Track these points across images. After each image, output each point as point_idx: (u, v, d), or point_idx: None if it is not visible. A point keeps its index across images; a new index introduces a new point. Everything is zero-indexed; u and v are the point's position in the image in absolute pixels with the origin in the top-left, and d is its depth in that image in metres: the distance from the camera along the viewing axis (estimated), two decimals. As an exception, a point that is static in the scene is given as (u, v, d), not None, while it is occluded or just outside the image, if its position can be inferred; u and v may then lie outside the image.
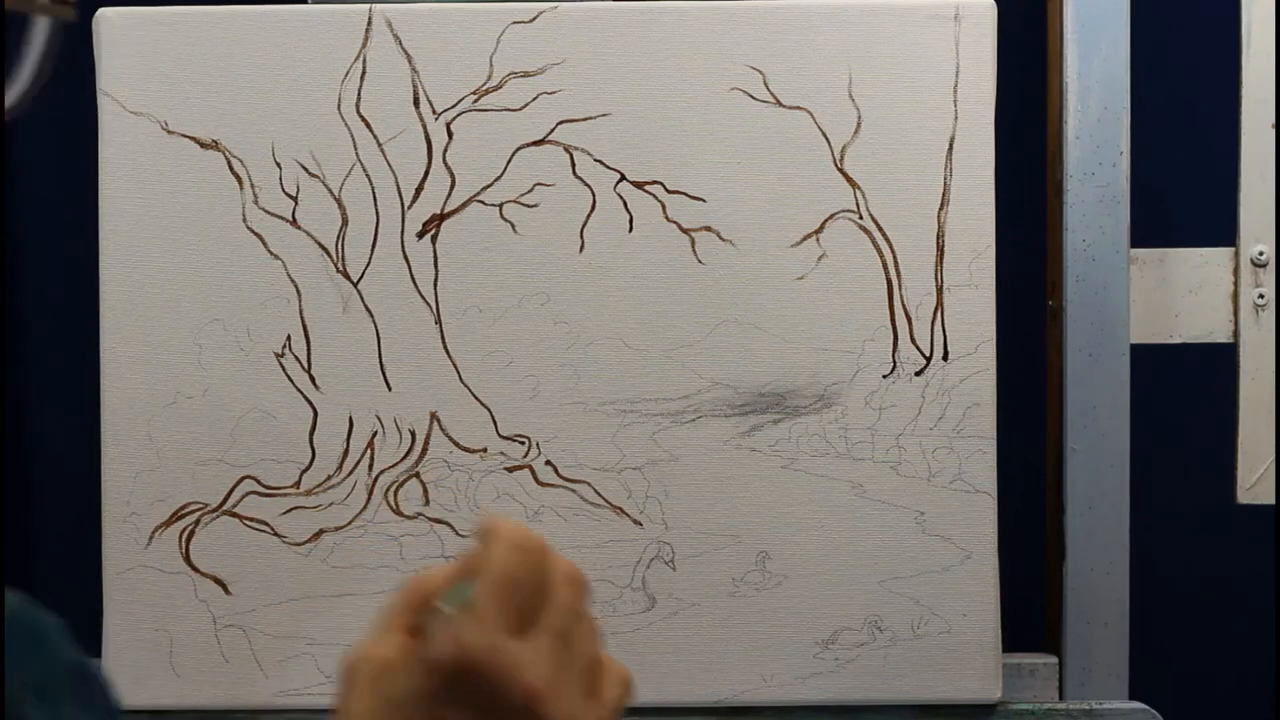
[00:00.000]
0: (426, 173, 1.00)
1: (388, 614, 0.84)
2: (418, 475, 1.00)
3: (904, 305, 1.00)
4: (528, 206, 1.00)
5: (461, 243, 1.00)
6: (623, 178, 1.00)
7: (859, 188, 1.00)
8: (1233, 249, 1.07)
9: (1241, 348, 1.07)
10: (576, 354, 1.00)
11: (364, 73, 1.00)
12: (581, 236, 1.00)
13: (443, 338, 1.00)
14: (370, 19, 1.00)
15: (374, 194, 1.00)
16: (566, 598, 0.81)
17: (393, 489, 1.00)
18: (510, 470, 1.00)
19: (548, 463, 1.00)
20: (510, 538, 0.80)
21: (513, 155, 1.00)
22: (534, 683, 0.76)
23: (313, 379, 1.00)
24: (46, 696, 0.48)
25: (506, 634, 0.77)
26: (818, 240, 1.00)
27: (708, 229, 1.00)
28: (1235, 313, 1.07)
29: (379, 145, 1.00)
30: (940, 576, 1.00)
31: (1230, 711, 1.22)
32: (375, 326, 1.00)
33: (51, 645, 0.49)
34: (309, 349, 1.00)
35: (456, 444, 1.00)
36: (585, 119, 1.00)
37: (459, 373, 1.00)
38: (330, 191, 1.00)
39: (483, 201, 1.00)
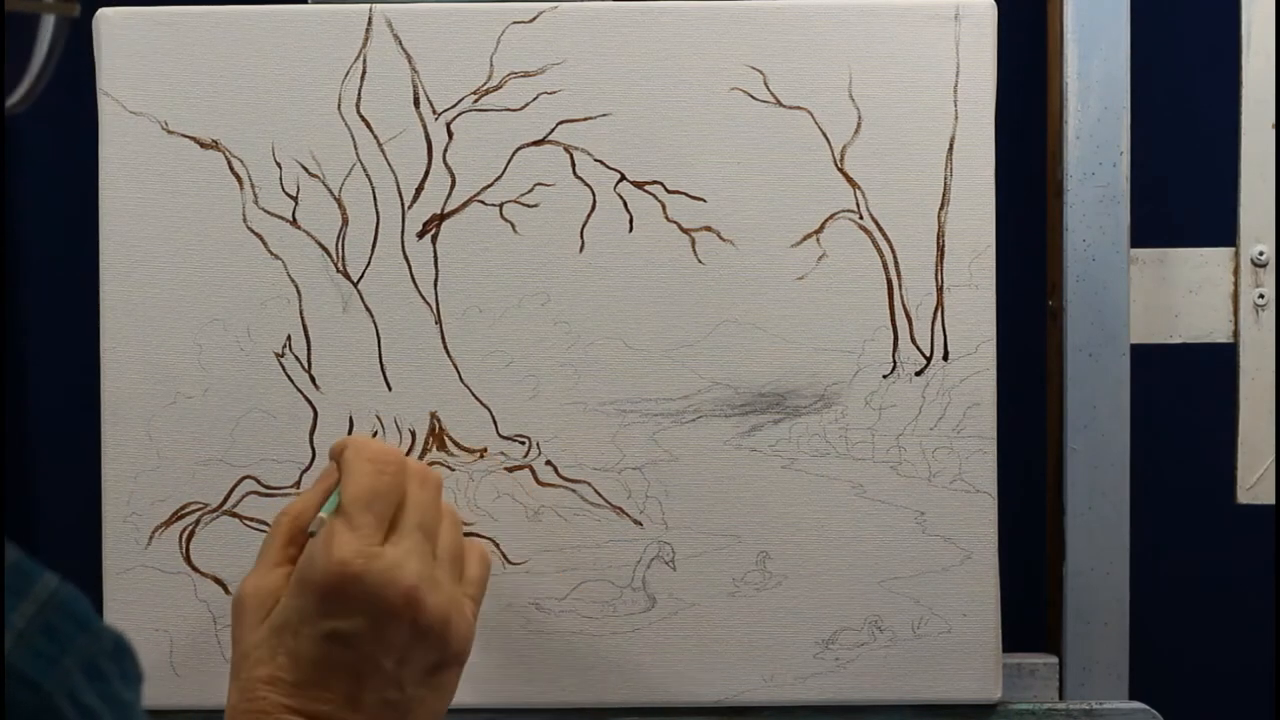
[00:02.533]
0: (426, 173, 1.00)
1: (265, 549, 0.86)
2: (418, 475, 1.00)
3: (904, 305, 1.00)
4: (528, 206, 1.00)
5: (461, 243, 1.00)
6: (623, 178, 1.00)
7: (859, 188, 1.00)
8: (1233, 249, 1.07)
9: (1241, 348, 1.07)
10: (576, 354, 1.00)
11: (364, 73, 1.00)
12: (581, 236, 1.00)
13: (443, 338, 1.00)
14: (370, 19, 1.00)
15: (374, 194, 1.00)
16: (423, 496, 0.85)
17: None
18: (510, 470, 1.00)
19: (548, 463, 1.00)
20: (366, 453, 0.85)
21: (513, 155, 1.00)
22: (410, 580, 0.81)
23: (313, 379, 1.00)
24: (95, 675, 0.48)
25: (378, 542, 0.82)
26: (818, 240, 1.00)
27: (708, 229, 1.00)
28: (1235, 313, 1.07)
29: (379, 145, 1.00)
30: (940, 576, 1.00)
31: (1230, 711, 1.22)
32: (375, 326, 1.00)
33: (93, 623, 0.49)
34: (309, 349, 1.00)
35: (457, 444, 1.00)
36: (585, 119, 1.00)
37: (459, 373, 1.00)
38: (330, 191, 1.00)
39: (483, 201, 1.00)
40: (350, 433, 1.00)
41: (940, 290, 1.00)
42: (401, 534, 0.83)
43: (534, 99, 1.00)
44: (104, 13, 1.00)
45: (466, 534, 0.93)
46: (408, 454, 1.00)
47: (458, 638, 0.83)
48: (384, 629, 0.80)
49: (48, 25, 0.55)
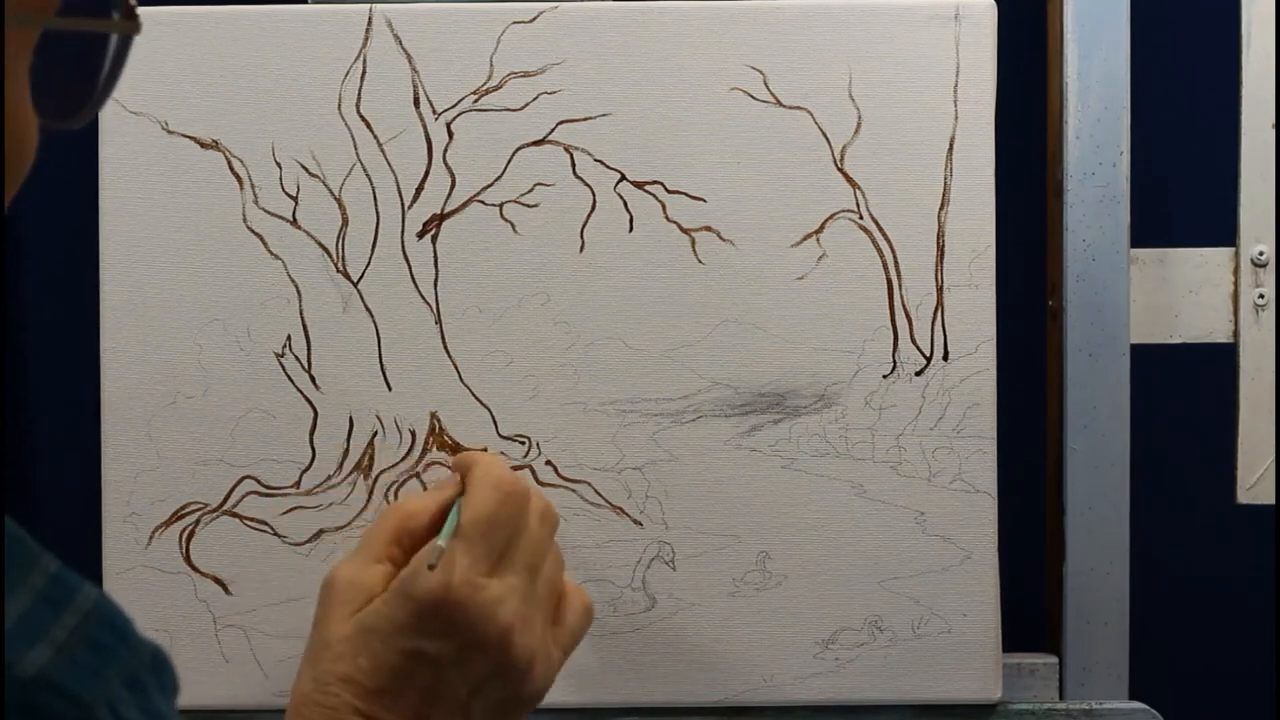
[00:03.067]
0: (426, 173, 1.00)
1: (367, 541, 0.86)
2: (418, 475, 1.00)
3: (904, 305, 1.00)
4: (528, 206, 1.00)
5: (461, 243, 1.00)
6: (623, 178, 1.00)
7: (859, 188, 1.00)
8: (1233, 249, 1.07)
9: (1241, 348, 1.07)
10: (576, 354, 1.00)
11: (364, 73, 1.00)
12: (582, 236, 1.00)
13: (443, 338, 1.00)
14: (370, 19, 1.00)
15: (374, 194, 1.00)
16: (539, 534, 0.85)
17: (393, 489, 1.00)
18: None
19: (548, 463, 1.00)
20: (491, 478, 0.84)
21: (513, 155, 1.00)
22: (507, 619, 0.81)
23: (313, 379, 1.00)
24: (136, 687, 0.48)
25: (485, 571, 0.81)
26: (818, 240, 1.00)
27: (708, 229, 1.00)
28: (1235, 313, 1.07)
29: (379, 145, 1.00)
30: (940, 576, 1.00)
31: (1230, 711, 1.22)
32: (375, 326, 1.00)
33: (134, 636, 0.49)
34: (309, 349, 1.00)
35: (457, 444, 1.00)
36: (585, 119, 1.00)
37: (459, 373, 1.00)
38: (330, 191, 1.00)
39: (483, 201, 1.00)
40: (350, 433, 1.00)
41: (940, 290, 1.00)
42: (509, 568, 0.82)
43: (534, 99, 1.00)
44: (104, 13, 1.00)
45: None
46: (407, 454, 1.00)
47: (538, 681, 0.83)
48: (469, 659, 0.80)
49: (111, 44, 0.56)
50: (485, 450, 0.99)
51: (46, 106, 0.53)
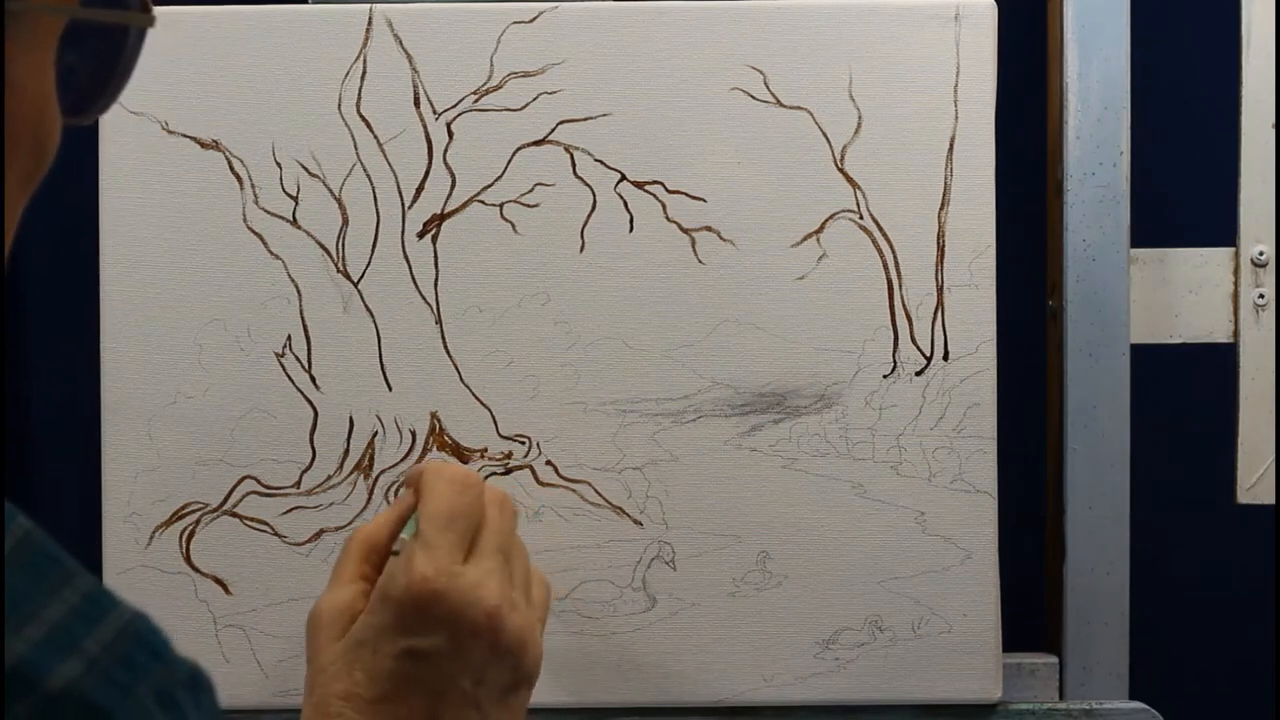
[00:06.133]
0: (427, 173, 1.00)
1: (339, 568, 0.87)
2: (418, 475, 1.00)
3: (904, 305, 1.00)
4: (528, 206, 1.00)
5: (462, 243, 1.00)
6: (623, 178, 1.00)
7: (859, 188, 1.00)
8: (1233, 249, 1.07)
9: (1241, 348, 1.07)
10: (576, 354, 1.00)
11: (364, 73, 1.00)
12: (582, 236, 1.00)
13: (443, 338, 1.00)
14: (370, 19, 1.00)
15: (374, 194, 1.00)
16: (501, 521, 0.86)
17: (393, 489, 1.00)
18: (510, 470, 1.00)
19: (548, 463, 1.00)
20: (442, 475, 0.85)
21: (513, 155, 1.00)
22: (493, 600, 0.81)
23: (313, 379, 1.00)
24: (170, 705, 0.47)
25: (459, 560, 0.82)
26: (818, 240, 1.00)
27: (708, 229, 1.00)
28: (1235, 313, 1.07)
29: (379, 145, 1.00)
30: (940, 576, 1.00)
31: (1230, 711, 1.22)
32: (375, 326, 1.00)
33: (169, 654, 0.48)
34: (309, 349, 1.00)
35: (457, 444, 1.00)
36: (585, 119, 1.00)
37: (459, 373, 1.00)
38: (330, 191, 1.00)
39: (483, 201, 1.00)
40: (350, 433, 1.00)
41: (940, 290, 1.00)
42: (482, 555, 0.83)
43: (534, 99, 1.00)
44: (104, 13, 1.00)
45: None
46: (407, 454, 1.00)
47: (532, 659, 0.83)
48: (463, 647, 0.80)
49: (128, 38, 0.56)
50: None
51: (66, 104, 0.54)
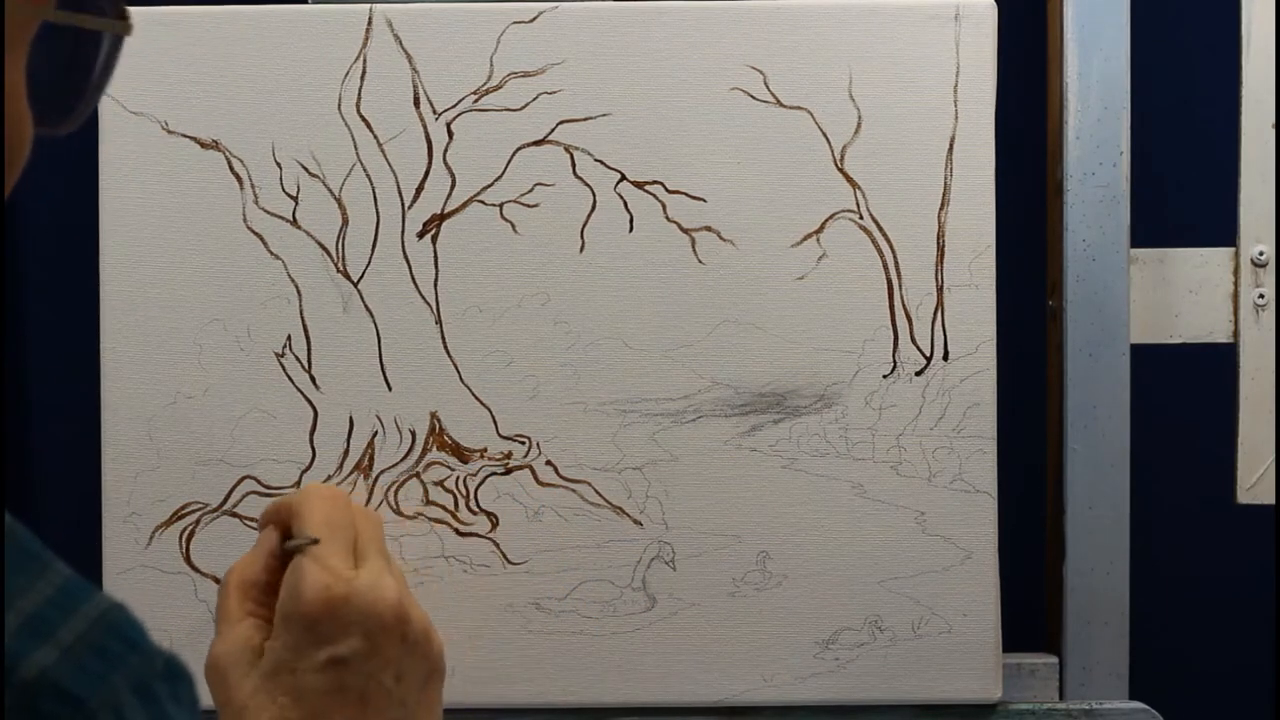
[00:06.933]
0: (427, 173, 1.00)
1: (220, 612, 0.87)
2: (418, 475, 1.00)
3: (904, 305, 1.00)
4: (528, 206, 1.00)
5: (462, 243, 1.00)
6: (623, 178, 1.00)
7: (859, 188, 1.00)
8: (1233, 249, 1.07)
9: (1241, 348, 1.07)
10: (576, 354, 1.00)
11: (364, 73, 1.00)
12: (582, 236, 1.00)
13: (443, 338, 1.00)
14: (370, 19, 1.00)
15: (374, 194, 1.00)
16: (371, 528, 0.87)
17: (393, 489, 1.00)
18: (510, 470, 1.00)
19: (548, 463, 1.00)
20: (314, 493, 0.87)
21: (513, 155, 1.00)
22: (392, 594, 0.82)
23: (313, 379, 1.00)
24: (147, 696, 0.47)
25: (350, 565, 0.83)
26: (818, 240, 1.00)
27: (708, 229, 1.00)
28: (1235, 313, 1.07)
29: (379, 145, 1.00)
30: (940, 576, 1.00)
31: (1230, 711, 1.22)
32: (375, 326, 1.00)
33: (146, 644, 0.48)
34: (309, 349, 1.00)
35: (457, 444, 1.00)
36: (585, 119, 1.00)
37: (459, 373, 1.00)
38: (330, 191, 1.00)
39: (483, 201, 1.00)
40: (350, 433, 1.00)
41: (940, 290, 1.00)
42: (367, 557, 0.84)
43: (534, 99, 1.00)
44: (104, 13, 1.00)
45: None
46: (407, 454, 1.00)
47: (437, 648, 0.84)
48: (378, 645, 0.81)
49: (104, 44, 0.56)
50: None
51: (38, 109, 0.54)
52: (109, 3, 0.55)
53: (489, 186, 1.00)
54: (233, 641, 0.83)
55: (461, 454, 1.00)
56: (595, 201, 1.00)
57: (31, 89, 0.53)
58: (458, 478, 1.00)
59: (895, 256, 1.00)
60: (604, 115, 1.00)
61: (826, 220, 1.00)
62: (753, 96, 1.00)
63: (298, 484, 1.00)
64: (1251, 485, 1.07)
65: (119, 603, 0.49)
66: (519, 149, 1.00)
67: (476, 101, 1.00)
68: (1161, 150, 1.18)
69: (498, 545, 1.00)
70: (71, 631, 0.46)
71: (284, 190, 1.00)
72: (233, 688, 0.82)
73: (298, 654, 0.80)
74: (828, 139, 1.00)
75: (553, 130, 1.00)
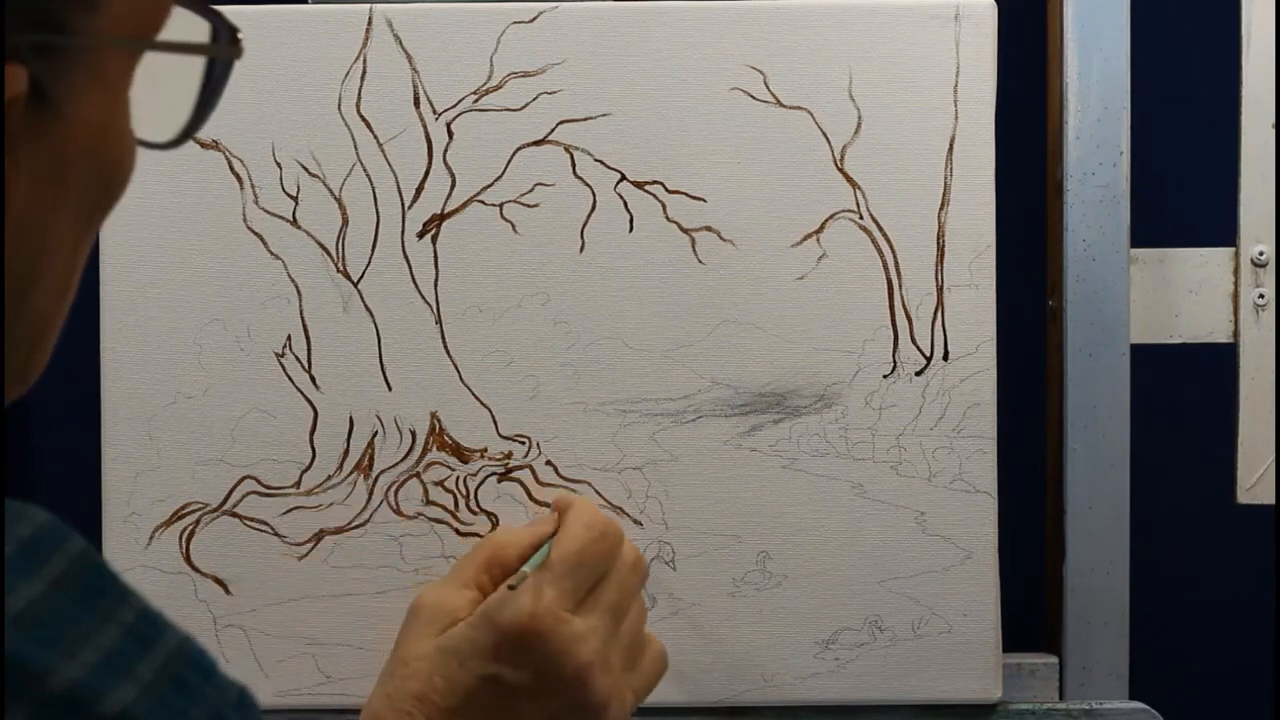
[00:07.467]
0: (427, 173, 1.00)
1: (459, 566, 0.87)
2: (418, 475, 1.00)
3: (904, 305, 1.00)
4: (528, 206, 1.00)
5: (462, 243, 1.00)
6: (623, 178, 1.00)
7: (859, 188, 1.00)
8: (1233, 249, 1.07)
9: (1241, 348, 1.07)
10: (576, 354, 1.00)
11: (364, 73, 1.00)
12: (582, 236, 1.00)
13: (443, 338, 1.00)
14: (370, 19, 1.00)
15: (374, 194, 1.00)
16: (627, 580, 0.86)
17: (393, 489, 1.00)
18: (510, 470, 1.00)
19: (548, 463, 1.00)
20: (585, 518, 0.85)
21: (513, 155, 1.00)
22: (587, 657, 0.81)
23: (313, 379, 1.00)
24: None
25: (570, 607, 0.82)
26: (818, 240, 1.00)
27: (708, 229, 1.00)
28: (1235, 313, 1.07)
29: (379, 145, 1.00)
30: (940, 576, 1.00)
31: (1230, 711, 1.22)
32: (375, 326, 1.00)
33: (218, 676, 0.49)
34: (309, 349, 1.00)
35: (457, 444, 1.00)
36: (585, 119, 1.00)
37: (459, 373, 1.00)
38: (330, 191, 1.00)
39: (483, 201, 1.00)
40: (350, 433, 1.00)
41: (940, 290, 1.00)
42: (593, 608, 0.83)
43: (534, 99, 1.00)
44: (104, 13, 1.00)
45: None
46: (407, 454, 1.00)
47: None
48: (544, 692, 0.81)
49: (215, 67, 0.57)
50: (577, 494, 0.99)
51: (144, 129, 0.54)
52: (222, 29, 0.56)
53: (489, 186, 1.00)
54: (442, 599, 0.84)
55: (461, 454, 1.00)
56: (595, 201, 1.00)
57: (137, 114, 0.54)
58: (458, 478, 1.00)
59: (895, 256, 1.00)
60: (604, 115, 1.00)
61: (826, 220, 1.00)
62: (753, 96, 1.00)
63: (297, 485, 1.00)
64: (1251, 485, 1.07)
65: (190, 635, 0.49)
66: (519, 149, 1.00)
67: (476, 101, 1.00)
68: (1161, 150, 1.18)
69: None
70: (150, 666, 0.46)
71: (284, 190, 1.00)
72: (412, 638, 0.82)
73: (473, 652, 0.81)
74: (828, 139, 1.00)
75: (553, 130, 1.00)
